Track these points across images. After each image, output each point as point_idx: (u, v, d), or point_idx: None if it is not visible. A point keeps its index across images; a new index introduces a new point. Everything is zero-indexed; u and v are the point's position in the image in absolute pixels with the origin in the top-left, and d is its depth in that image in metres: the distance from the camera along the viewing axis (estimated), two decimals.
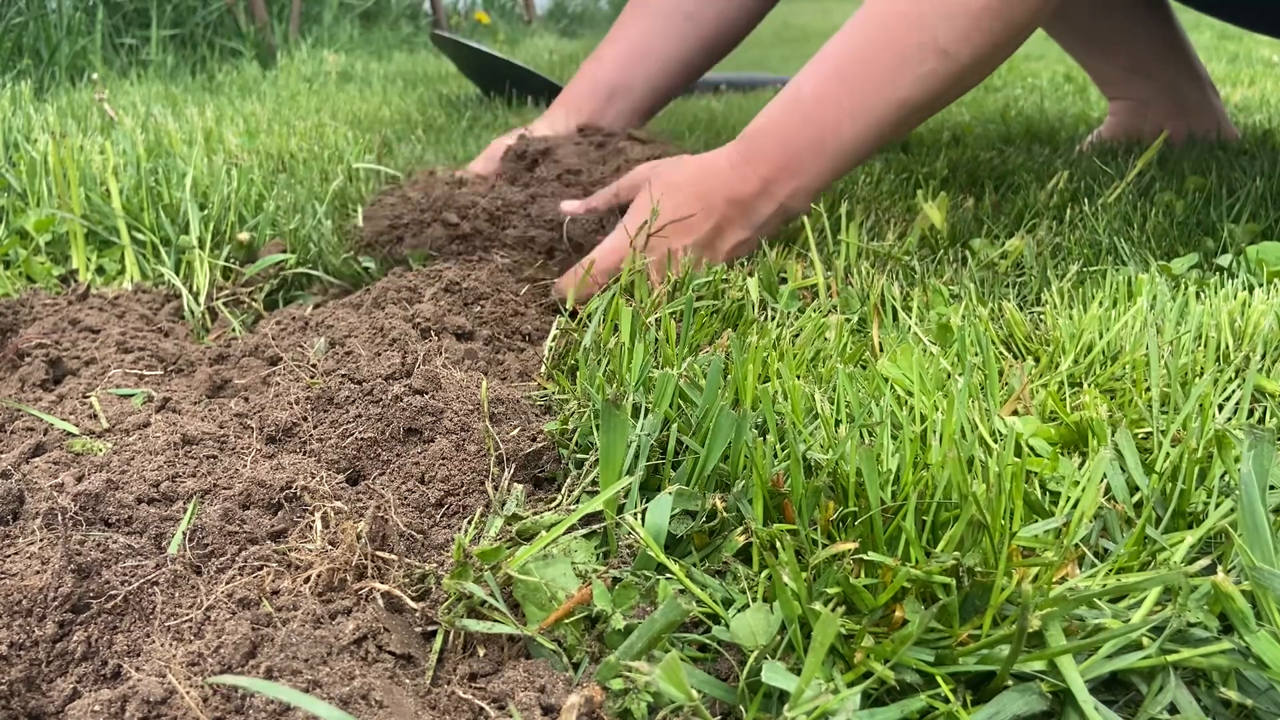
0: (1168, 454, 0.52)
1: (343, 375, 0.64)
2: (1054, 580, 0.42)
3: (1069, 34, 1.49)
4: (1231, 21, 1.40)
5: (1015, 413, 0.60)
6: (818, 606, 0.40)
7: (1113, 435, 0.54)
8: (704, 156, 0.92)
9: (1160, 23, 1.42)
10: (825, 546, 0.44)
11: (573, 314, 0.80)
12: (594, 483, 0.53)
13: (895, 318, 0.76)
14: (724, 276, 0.82)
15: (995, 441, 0.55)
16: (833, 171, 0.91)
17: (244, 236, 0.99)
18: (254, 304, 0.92)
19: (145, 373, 0.72)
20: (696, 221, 0.88)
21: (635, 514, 0.48)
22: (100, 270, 0.97)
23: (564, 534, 0.47)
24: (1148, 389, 0.61)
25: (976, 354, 0.66)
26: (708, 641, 0.43)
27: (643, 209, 0.87)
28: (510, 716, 0.38)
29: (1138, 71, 1.46)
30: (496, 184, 1.03)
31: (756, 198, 0.90)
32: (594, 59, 1.27)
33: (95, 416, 0.63)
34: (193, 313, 0.88)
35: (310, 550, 0.47)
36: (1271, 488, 0.48)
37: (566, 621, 0.43)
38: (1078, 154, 1.43)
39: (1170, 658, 0.38)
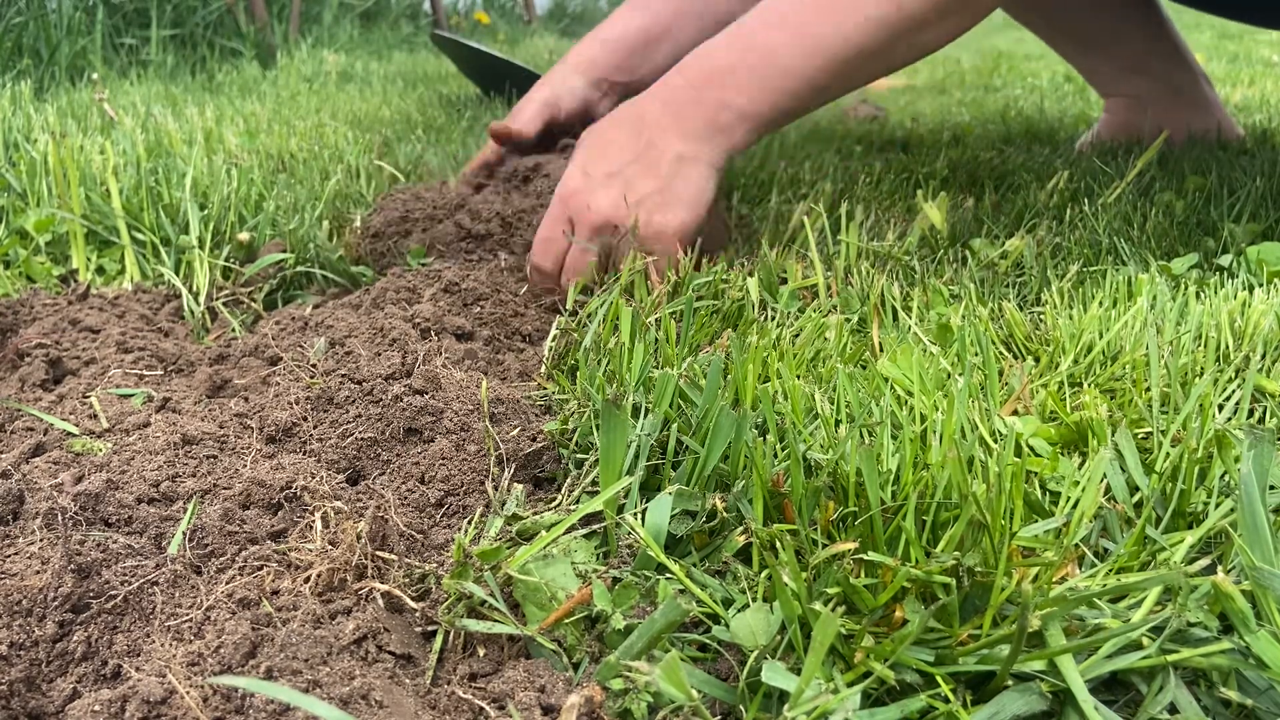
0: (1168, 454, 0.52)
1: (343, 375, 0.64)
2: (1054, 580, 0.42)
3: (1062, 36, 1.49)
4: (1231, 18, 1.40)
5: (1015, 413, 0.60)
6: (818, 606, 0.40)
7: (1113, 435, 0.54)
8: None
9: (1153, 20, 1.42)
10: (825, 546, 0.44)
11: (573, 313, 0.80)
12: (594, 483, 0.53)
13: (895, 318, 0.76)
14: (724, 276, 0.82)
15: (995, 441, 0.55)
16: (769, 100, 0.86)
17: (244, 236, 0.99)
18: (254, 304, 0.92)
19: (145, 373, 0.72)
20: (623, 137, 0.86)
21: (635, 514, 0.48)
22: (100, 270, 0.97)
23: (564, 534, 0.47)
24: (1148, 389, 0.61)
25: (976, 354, 0.66)
26: (708, 641, 0.43)
27: (570, 169, 0.87)
28: (510, 716, 0.38)
29: (1135, 69, 1.45)
30: (511, 197, 1.06)
31: (684, 104, 0.87)
32: (615, 19, 1.24)
33: (95, 416, 0.63)
34: (193, 313, 0.88)
35: (310, 550, 0.47)
36: (1271, 488, 0.48)
37: (566, 621, 0.43)
38: (1076, 153, 1.43)
39: (1170, 658, 0.38)
